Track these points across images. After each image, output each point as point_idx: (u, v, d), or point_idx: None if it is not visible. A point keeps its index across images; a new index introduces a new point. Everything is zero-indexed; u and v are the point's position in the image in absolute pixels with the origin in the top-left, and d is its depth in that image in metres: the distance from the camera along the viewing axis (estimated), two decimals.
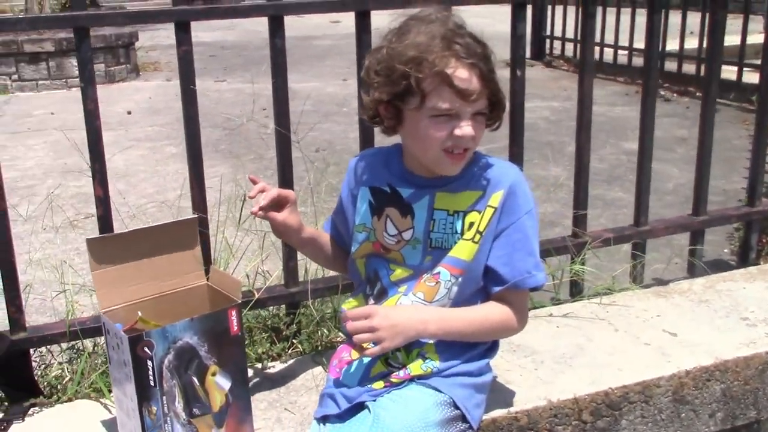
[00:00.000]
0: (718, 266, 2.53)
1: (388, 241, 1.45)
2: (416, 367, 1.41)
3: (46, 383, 1.75)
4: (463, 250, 1.41)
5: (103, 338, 1.81)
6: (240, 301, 1.44)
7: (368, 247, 1.48)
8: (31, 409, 1.65)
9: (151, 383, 1.35)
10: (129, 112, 5.86)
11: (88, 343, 1.83)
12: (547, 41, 7.78)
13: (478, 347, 1.47)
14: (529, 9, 7.43)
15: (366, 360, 1.44)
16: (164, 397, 1.37)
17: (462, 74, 1.29)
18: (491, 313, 1.43)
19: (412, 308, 1.41)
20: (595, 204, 3.88)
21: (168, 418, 1.38)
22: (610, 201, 3.73)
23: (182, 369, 1.38)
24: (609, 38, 6.70)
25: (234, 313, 1.42)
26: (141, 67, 7.97)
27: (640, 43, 6.43)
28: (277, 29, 1.75)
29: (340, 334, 1.90)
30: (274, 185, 1.52)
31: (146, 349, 1.33)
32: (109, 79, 7.25)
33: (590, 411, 1.66)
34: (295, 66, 7.58)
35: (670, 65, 6.29)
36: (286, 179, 1.85)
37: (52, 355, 1.84)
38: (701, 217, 2.31)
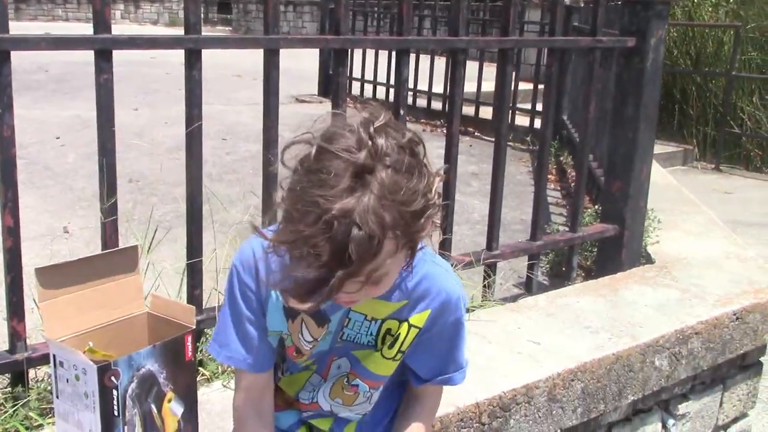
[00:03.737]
0: (535, 287, 2.91)
1: (304, 346, 1.34)
2: None
3: None
4: (383, 367, 1.35)
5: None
6: (194, 327, 1.46)
7: (282, 350, 1.37)
8: None
9: (115, 413, 1.34)
10: None
11: None
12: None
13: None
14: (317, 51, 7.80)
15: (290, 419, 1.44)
16: (125, 427, 1.36)
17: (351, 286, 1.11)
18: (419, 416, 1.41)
19: None
20: None
21: None
22: None
23: (143, 397, 1.39)
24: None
25: (189, 338, 1.45)
26: None
27: (422, 85, 7.02)
28: (194, 63, 1.79)
29: None
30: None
31: (113, 378, 1.32)
32: None
33: (488, 413, 1.88)
34: (79, 93, 7.23)
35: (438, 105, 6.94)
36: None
37: None
38: (538, 242, 2.66)
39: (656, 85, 2.74)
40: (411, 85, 6.90)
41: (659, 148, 6.65)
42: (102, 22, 1.65)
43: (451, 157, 2.35)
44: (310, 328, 1.31)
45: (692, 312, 2.44)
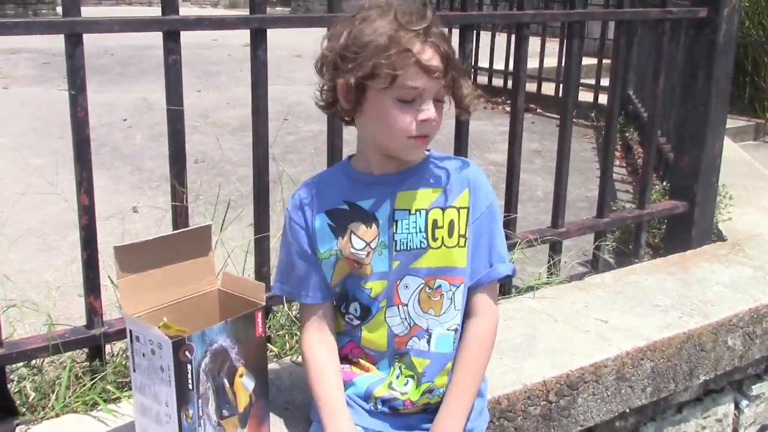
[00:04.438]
0: (603, 265, 2.86)
1: (358, 255, 1.44)
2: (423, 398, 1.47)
3: (25, 400, 1.68)
4: (452, 258, 1.44)
5: (77, 351, 1.79)
6: (264, 303, 1.49)
7: (342, 267, 1.46)
8: (17, 428, 1.59)
9: (189, 387, 1.37)
10: None
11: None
12: None
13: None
14: None
15: (368, 380, 1.49)
16: (200, 401, 1.39)
17: (427, 53, 1.31)
18: (472, 351, 1.47)
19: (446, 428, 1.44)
20: None
21: (202, 421, 1.40)
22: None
23: (216, 371, 1.41)
24: None
25: (260, 315, 1.47)
26: None
27: (483, 62, 6.93)
28: (260, 42, 1.80)
29: None
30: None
31: (187, 353, 1.35)
32: None
33: (555, 392, 1.86)
34: (143, 76, 7.39)
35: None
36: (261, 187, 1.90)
37: (36, 370, 1.77)
38: (605, 219, 2.61)
39: (729, 57, 2.65)
40: (472, 62, 6.83)
41: (729, 122, 6.37)
42: (170, 4, 1.68)
43: (516, 134, 2.32)
44: (359, 233, 1.43)
45: (767, 290, 2.37)
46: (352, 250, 1.44)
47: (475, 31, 6.77)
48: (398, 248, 1.43)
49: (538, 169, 4.72)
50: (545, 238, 2.44)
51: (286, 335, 1.99)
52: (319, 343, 1.49)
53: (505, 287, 2.39)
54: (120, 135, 5.21)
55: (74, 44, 1.56)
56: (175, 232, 1.50)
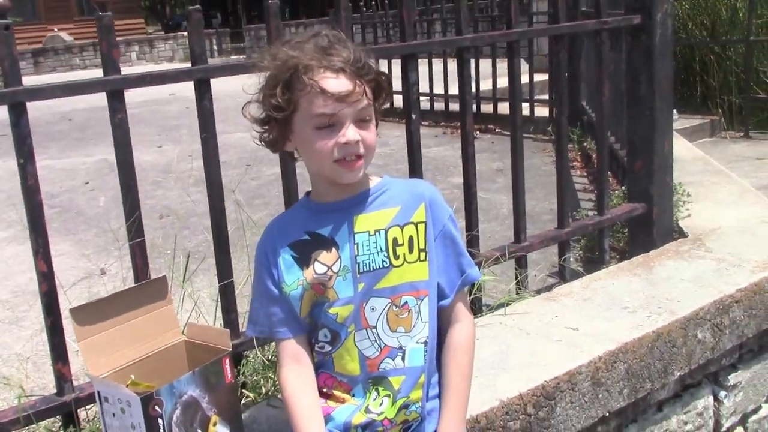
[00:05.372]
0: (569, 274, 2.89)
1: (321, 279, 1.46)
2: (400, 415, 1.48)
3: None
4: (414, 272, 1.47)
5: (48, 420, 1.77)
6: (230, 350, 1.49)
7: (310, 296, 1.48)
8: None
9: None
10: None
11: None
12: None
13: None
14: None
15: (347, 411, 1.49)
16: None
17: (329, 77, 1.37)
18: (461, 352, 1.55)
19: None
20: None
21: None
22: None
23: (188, 423, 1.42)
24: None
25: (227, 361, 1.48)
26: None
27: (438, 88, 7.03)
28: (204, 92, 1.83)
29: None
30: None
31: (156, 407, 1.35)
32: None
33: (533, 404, 1.87)
34: (102, 139, 7.38)
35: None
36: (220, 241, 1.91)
37: None
38: (566, 229, 2.65)
39: (667, 59, 2.72)
40: (427, 89, 6.93)
41: (685, 121, 6.57)
42: (111, 64, 1.70)
43: (468, 155, 2.36)
44: (321, 259, 1.47)
45: (730, 281, 2.41)
46: (315, 275, 1.47)
47: (427, 59, 6.91)
48: (361, 270, 1.46)
49: (501, 188, 4.77)
50: (509, 253, 2.46)
51: (261, 379, 1.99)
52: (296, 377, 1.49)
53: (476, 306, 2.41)
54: (83, 198, 5.19)
55: (19, 113, 1.57)
56: (130, 287, 1.50)
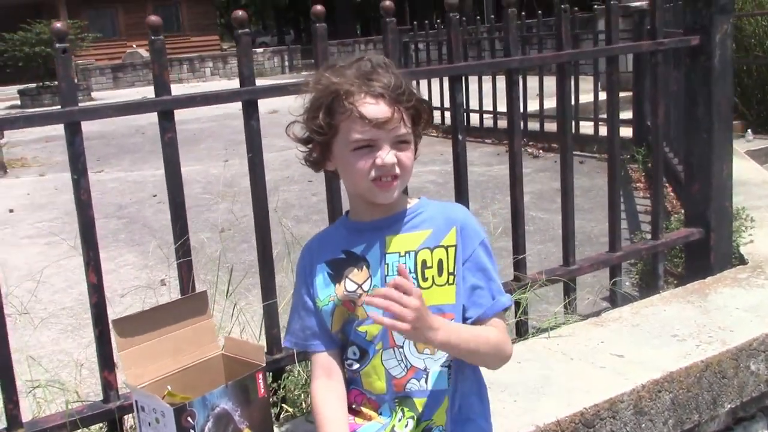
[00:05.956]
0: (624, 298, 2.84)
1: (352, 297, 1.49)
2: None
3: None
4: (442, 295, 1.47)
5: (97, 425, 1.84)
6: (264, 365, 1.53)
7: (341, 312, 1.51)
8: None
9: None
10: (11, 210, 5.66)
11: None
12: None
13: (477, 405, 1.54)
14: None
15: (373, 429, 1.50)
16: None
17: (369, 103, 1.40)
18: (491, 332, 1.48)
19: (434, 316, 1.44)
20: (502, 254, 4.18)
21: None
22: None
23: None
24: (473, 104, 7.23)
25: (261, 376, 1.51)
26: (8, 164, 7.70)
27: (502, 106, 7.02)
28: (252, 113, 1.88)
29: None
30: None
31: (189, 419, 1.39)
32: None
33: (571, 430, 1.85)
34: (154, 154, 7.61)
35: (533, 125, 6.86)
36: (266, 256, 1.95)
37: None
38: (617, 253, 2.61)
39: (726, 81, 2.65)
40: (478, 106, 6.93)
41: (760, 143, 6.36)
42: (162, 85, 1.77)
43: (516, 177, 2.35)
44: (352, 277, 1.50)
45: None
46: (346, 292, 1.50)
47: (492, 78, 6.91)
48: None
49: (560, 208, 4.70)
50: (555, 277, 2.44)
51: (302, 394, 2.02)
52: (326, 391, 1.52)
53: (522, 329, 2.39)
54: (150, 211, 5.36)
55: (74, 132, 1.65)
56: (171, 301, 1.55)
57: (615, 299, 2.67)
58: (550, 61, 2.49)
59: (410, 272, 1.47)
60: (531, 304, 2.51)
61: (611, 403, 1.91)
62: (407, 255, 1.49)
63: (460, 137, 2.18)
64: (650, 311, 2.42)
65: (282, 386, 2.01)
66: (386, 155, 1.42)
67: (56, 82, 1.59)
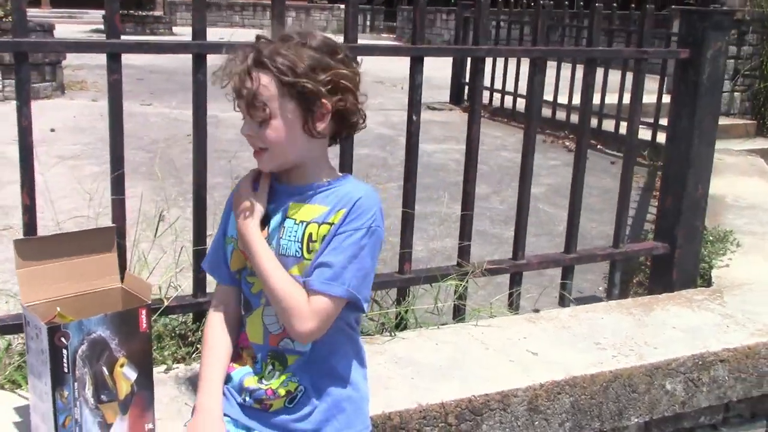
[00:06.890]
0: (593, 300, 2.85)
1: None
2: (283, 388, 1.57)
3: None
4: (301, 269, 1.53)
5: (17, 335, 1.98)
6: (149, 302, 1.63)
7: (238, 256, 1.61)
8: None
9: (65, 370, 1.52)
10: (52, 130, 5.92)
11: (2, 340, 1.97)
12: (465, 87, 8.19)
13: (346, 368, 1.61)
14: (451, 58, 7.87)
15: (242, 372, 1.61)
16: (76, 383, 1.54)
17: (239, 77, 1.50)
18: (294, 287, 1.51)
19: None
20: (491, 241, 4.20)
21: (78, 402, 1.55)
22: (505, 239, 4.04)
23: (94, 359, 1.56)
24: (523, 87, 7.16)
25: (144, 312, 1.61)
26: (67, 86, 8.01)
27: (549, 95, 6.92)
28: (199, 66, 1.97)
29: None
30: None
31: (62, 339, 1.51)
32: (33, 95, 7.27)
33: (455, 415, 1.91)
34: (223, 94, 7.77)
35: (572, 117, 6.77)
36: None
37: None
38: (571, 255, 2.62)
39: (714, 98, 2.61)
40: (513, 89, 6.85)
41: None
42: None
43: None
44: None
45: (723, 338, 2.31)
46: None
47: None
48: (280, 252, 1.55)
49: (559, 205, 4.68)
50: (499, 267, 2.47)
51: None
52: (216, 322, 1.65)
53: (459, 313, 2.44)
54: (178, 149, 5.52)
55: (20, 61, 1.76)
56: (78, 230, 1.66)
57: (563, 299, 2.69)
58: (520, 54, 2.49)
59: (297, 241, 1.54)
60: (482, 295, 2.57)
61: (503, 396, 1.96)
62: (300, 224, 1.55)
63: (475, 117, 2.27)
64: (588, 316, 2.44)
65: (201, 328, 2.12)
66: (243, 127, 1.54)
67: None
